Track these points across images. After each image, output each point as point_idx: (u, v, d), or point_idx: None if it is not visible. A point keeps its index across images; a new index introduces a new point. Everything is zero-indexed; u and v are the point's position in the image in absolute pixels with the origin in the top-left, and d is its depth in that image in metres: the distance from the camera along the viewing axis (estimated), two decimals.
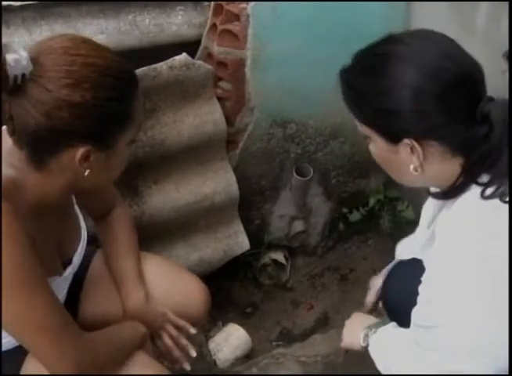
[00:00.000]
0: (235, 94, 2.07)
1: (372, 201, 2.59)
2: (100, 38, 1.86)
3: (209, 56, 2.05)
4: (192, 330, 1.49)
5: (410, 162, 1.11)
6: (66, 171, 1.10)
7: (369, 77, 1.10)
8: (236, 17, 1.94)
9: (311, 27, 2.02)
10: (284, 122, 2.22)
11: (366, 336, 1.41)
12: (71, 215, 1.37)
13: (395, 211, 2.56)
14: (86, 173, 1.09)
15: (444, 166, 1.11)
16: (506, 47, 1.59)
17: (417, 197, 2.52)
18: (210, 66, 1.97)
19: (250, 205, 2.34)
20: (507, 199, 1.04)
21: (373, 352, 1.38)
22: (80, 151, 1.06)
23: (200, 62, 1.96)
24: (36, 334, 1.08)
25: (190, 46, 2.01)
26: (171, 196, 2.05)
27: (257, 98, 2.10)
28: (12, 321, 1.06)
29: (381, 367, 1.33)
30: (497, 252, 1.02)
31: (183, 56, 1.90)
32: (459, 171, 1.10)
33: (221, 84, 2.07)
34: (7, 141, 1.09)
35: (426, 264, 1.20)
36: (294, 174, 2.30)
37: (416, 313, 1.17)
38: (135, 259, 1.49)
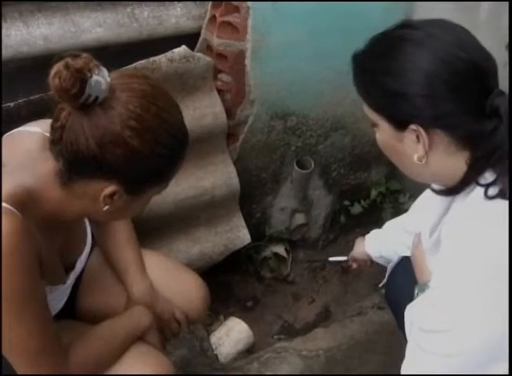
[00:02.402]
0: (235, 86, 2.05)
1: (373, 194, 2.58)
2: (98, 31, 1.84)
3: (208, 48, 2.03)
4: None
5: (415, 151, 1.09)
6: (88, 199, 1.09)
7: (381, 59, 1.09)
8: (236, 9, 1.92)
9: (312, 18, 2.00)
10: (285, 115, 2.20)
11: None
12: (79, 222, 1.37)
13: (397, 204, 2.55)
14: (105, 209, 1.10)
15: (448, 160, 1.09)
16: (507, 39, 1.58)
17: (419, 190, 2.50)
18: (209, 59, 1.95)
19: (250, 198, 2.33)
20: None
21: None
22: (110, 188, 1.06)
23: (199, 54, 1.94)
24: (16, 356, 1.09)
25: (189, 38, 1.99)
26: (171, 189, 2.00)
27: (257, 90, 2.08)
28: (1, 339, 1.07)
29: None
30: (504, 260, 1.00)
31: (182, 49, 1.88)
32: (463, 168, 1.08)
33: (220, 76, 2.05)
34: (29, 146, 1.09)
35: (434, 270, 1.18)
36: (295, 166, 2.29)
37: (420, 316, 1.15)
38: (137, 250, 1.50)
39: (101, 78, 0.97)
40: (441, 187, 1.17)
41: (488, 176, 1.06)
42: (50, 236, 1.16)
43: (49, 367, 1.12)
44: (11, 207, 1.02)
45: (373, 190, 2.58)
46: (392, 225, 1.73)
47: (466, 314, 1.02)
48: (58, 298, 1.30)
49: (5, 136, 1.18)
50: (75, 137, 1.01)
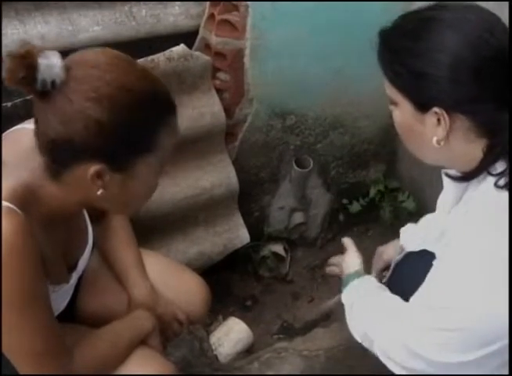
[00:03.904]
0: (233, 85, 2.04)
1: (372, 192, 2.57)
2: (96, 30, 1.83)
3: (207, 47, 2.01)
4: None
5: (434, 134, 1.09)
6: (81, 187, 1.07)
7: (410, 39, 1.09)
8: (235, 7, 1.91)
9: (311, 17, 1.99)
10: (283, 113, 2.20)
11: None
12: (80, 220, 1.36)
13: (396, 202, 2.54)
14: (99, 192, 1.07)
15: (466, 146, 1.10)
16: None
17: (418, 188, 2.51)
18: (208, 57, 1.94)
19: (249, 197, 2.32)
20: None
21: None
22: (93, 168, 1.03)
23: (197, 53, 1.93)
24: (20, 356, 1.09)
25: (188, 37, 1.98)
26: (169, 189, 2.02)
27: (256, 89, 2.07)
28: (2, 338, 1.06)
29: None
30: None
31: (181, 47, 1.87)
32: (479, 155, 1.09)
33: (219, 75, 2.04)
34: (26, 143, 1.07)
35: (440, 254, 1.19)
36: (294, 165, 2.28)
37: (420, 293, 1.18)
38: (136, 252, 1.49)
39: (52, 61, 0.96)
40: (456, 173, 1.17)
41: (498, 166, 1.07)
42: (52, 234, 1.15)
43: (53, 369, 1.11)
44: (12, 206, 1.01)
45: (372, 189, 2.57)
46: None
47: (468, 292, 1.04)
48: (61, 297, 1.29)
49: (4, 135, 1.17)
50: (44, 127, 1.01)
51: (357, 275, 1.52)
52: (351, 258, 1.59)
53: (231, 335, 2.10)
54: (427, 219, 1.62)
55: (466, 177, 1.14)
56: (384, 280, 1.79)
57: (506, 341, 1.04)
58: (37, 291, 1.07)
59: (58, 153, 1.03)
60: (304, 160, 2.31)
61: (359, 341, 1.38)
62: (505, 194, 1.05)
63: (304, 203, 2.46)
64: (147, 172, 1.10)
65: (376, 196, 2.57)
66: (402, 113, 1.14)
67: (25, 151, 1.08)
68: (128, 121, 1.02)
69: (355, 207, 2.57)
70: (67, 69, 0.99)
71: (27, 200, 1.05)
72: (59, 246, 1.20)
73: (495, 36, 1.04)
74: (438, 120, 1.08)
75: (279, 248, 2.46)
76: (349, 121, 2.34)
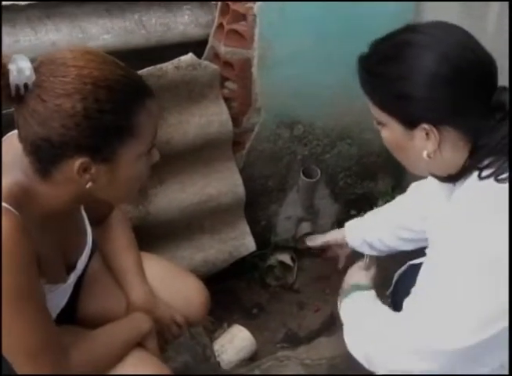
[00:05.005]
0: (241, 94, 2.06)
1: (380, 204, 2.56)
2: (106, 38, 1.86)
3: (216, 56, 2.04)
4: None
5: (424, 148, 1.14)
6: (70, 183, 1.09)
7: (389, 64, 1.13)
8: (243, 17, 1.93)
9: (319, 26, 2.01)
10: (291, 123, 2.21)
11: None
12: (78, 220, 1.37)
13: None
14: (88, 185, 1.09)
15: (455, 153, 1.14)
16: None
17: None
18: (216, 66, 1.96)
19: (256, 206, 2.33)
20: (503, 177, 1.08)
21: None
22: (77, 162, 1.05)
23: (206, 62, 1.95)
24: (15, 354, 1.10)
25: (197, 46, 2.00)
26: (176, 196, 2.04)
27: (263, 98, 2.08)
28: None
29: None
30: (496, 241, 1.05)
31: (189, 56, 1.89)
32: (466, 158, 1.14)
33: (227, 84, 2.06)
34: (19, 145, 1.09)
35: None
36: (301, 175, 2.29)
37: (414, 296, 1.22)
38: (136, 255, 1.50)
39: (21, 65, 0.99)
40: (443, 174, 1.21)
41: (486, 161, 1.11)
42: (48, 233, 1.17)
43: (49, 367, 1.12)
44: (8, 206, 1.03)
45: (380, 200, 2.57)
46: (381, 217, 1.75)
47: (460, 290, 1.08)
48: (59, 296, 1.30)
49: (5, 138, 1.19)
50: (24, 130, 1.04)
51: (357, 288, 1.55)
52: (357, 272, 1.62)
53: (234, 342, 2.11)
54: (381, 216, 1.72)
55: (453, 178, 1.18)
56: (388, 292, 1.80)
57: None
58: (33, 290, 1.08)
59: (42, 154, 1.05)
60: (311, 170, 2.31)
61: (360, 360, 1.37)
62: (487, 182, 1.09)
63: (312, 213, 2.46)
64: (134, 159, 1.11)
65: None
66: (391, 131, 1.18)
67: (17, 153, 1.10)
68: (103, 111, 1.03)
69: None
70: (37, 71, 1.02)
71: (21, 199, 1.07)
72: (55, 246, 1.22)
73: (469, 49, 1.10)
74: (427, 134, 1.12)
75: (286, 257, 2.46)
76: (357, 133, 2.34)
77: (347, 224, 1.84)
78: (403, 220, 1.66)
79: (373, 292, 1.51)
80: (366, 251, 1.74)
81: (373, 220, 1.77)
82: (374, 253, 1.72)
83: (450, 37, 1.12)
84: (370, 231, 1.73)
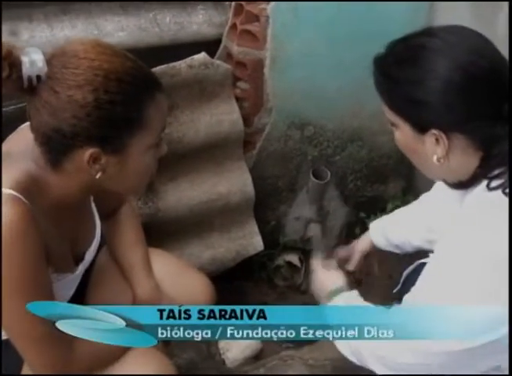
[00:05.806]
0: (253, 94, 2.08)
1: (390, 207, 2.56)
2: (121, 35, 1.88)
3: (229, 56, 2.06)
4: None
5: (434, 153, 1.14)
6: (81, 173, 1.11)
7: (403, 67, 1.13)
8: (256, 17, 1.95)
9: (332, 28, 2.02)
10: (302, 124, 2.22)
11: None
12: (88, 212, 1.38)
13: None
14: (98, 176, 1.11)
15: (465, 159, 1.14)
16: None
17: None
18: (228, 66, 1.98)
19: (265, 206, 2.34)
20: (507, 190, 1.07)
21: None
22: (87, 153, 1.07)
23: (218, 61, 1.97)
24: (21, 341, 1.12)
25: (210, 45, 2.02)
26: (186, 194, 2.06)
27: (275, 99, 2.10)
28: (4, 323, 1.10)
29: None
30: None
31: (202, 55, 1.91)
32: (477, 165, 1.13)
33: (239, 84, 2.07)
34: (31, 136, 1.11)
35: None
36: (311, 176, 2.29)
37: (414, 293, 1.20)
38: (144, 250, 1.51)
39: (34, 57, 1.02)
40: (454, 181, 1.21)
41: (496, 170, 1.10)
42: (57, 224, 1.18)
43: (53, 356, 1.14)
44: (18, 194, 1.05)
45: (390, 203, 2.57)
46: (406, 217, 1.72)
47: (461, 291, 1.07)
48: (66, 287, 1.31)
49: (18, 129, 1.21)
50: (36, 121, 1.06)
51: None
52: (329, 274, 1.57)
53: (240, 341, 2.11)
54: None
55: (464, 185, 1.17)
56: (395, 291, 1.80)
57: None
58: (39, 279, 1.10)
59: (53, 144, 1.07)
60: (321, 172, 2.31)
61: (349, 357, 1.35)
62: (495, 194, 1.08)
63: (321, 214, 2.46)
64: (142, 150, 1.13)
65: (393, 211, 2.56)
66: (403, 134, 1.18)
67: (30, 144, 1.12)
68: (113, 102, 1.05)
69: (373, 221, 2.56)
70: (49, 63, 1.04)
71: (31, 189, 1.08)
72: (64, 236, 1.23)
73: (484, 56, 1.09)
74: (437, 140, 1.12)
75: (294, 258, 2.46)
76: (368, 135, 2.35)
77: (372, 225, 1.78)
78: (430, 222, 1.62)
79: (355, 292, 1.47)
80: (392, 250, 1.72)
81: (400, 220, 1.73)
82: (397, 251, 1.71)
83: (466, 43, 1.11)
84: (396, 232, 1.70)
